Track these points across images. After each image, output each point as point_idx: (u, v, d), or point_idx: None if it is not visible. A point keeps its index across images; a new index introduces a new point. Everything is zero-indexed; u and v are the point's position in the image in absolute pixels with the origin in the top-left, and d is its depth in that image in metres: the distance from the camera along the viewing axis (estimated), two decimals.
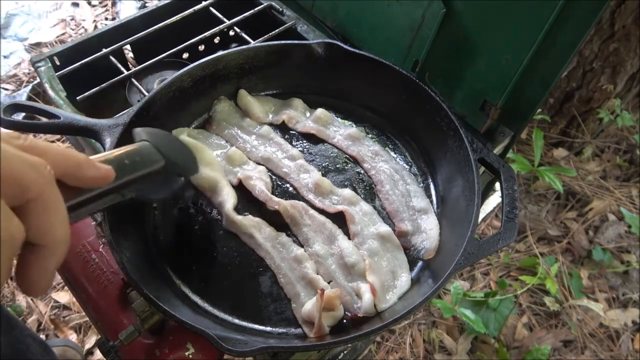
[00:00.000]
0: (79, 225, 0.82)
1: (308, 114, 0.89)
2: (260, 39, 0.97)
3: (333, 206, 0.77)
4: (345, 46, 0.86)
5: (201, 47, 1.06)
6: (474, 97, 0.86)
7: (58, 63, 0.95)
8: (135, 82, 0.91)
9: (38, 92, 1.63)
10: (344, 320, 0.67)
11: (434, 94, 0.80)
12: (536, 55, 0.75)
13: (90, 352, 1.35)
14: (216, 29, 1.00)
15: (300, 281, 0.70)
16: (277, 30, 1.00)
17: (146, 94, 0.83)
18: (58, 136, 1.63)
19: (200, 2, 1.05)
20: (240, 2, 1.06)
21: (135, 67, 0.93)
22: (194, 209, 0.78)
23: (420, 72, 0.88)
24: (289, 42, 0.88)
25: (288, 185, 0.81)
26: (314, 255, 0.72)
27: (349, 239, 0.74)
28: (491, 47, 0.80)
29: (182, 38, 0.96)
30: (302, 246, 0.74)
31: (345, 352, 1.16)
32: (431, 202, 0.80)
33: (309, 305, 0.65)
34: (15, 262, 0.35)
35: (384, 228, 0.74)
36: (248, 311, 0.69)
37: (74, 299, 1.32)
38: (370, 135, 0.88)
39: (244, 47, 0.86)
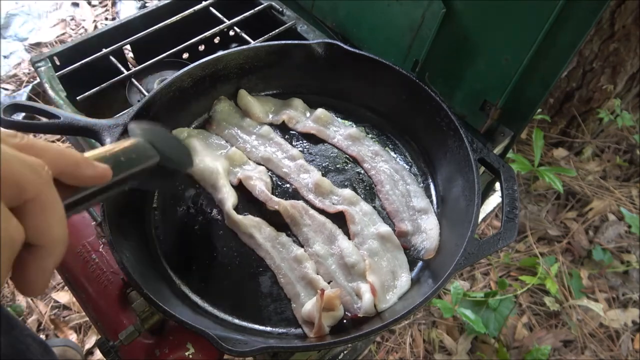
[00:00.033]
0: (79, 225, 0.82)
1: (308, 114, 0.89)
2: (260, 39, 0.97)
3: (333, 206, 0.77)
4: (345, 46, 0.86)
5: (201, 47, 1.06)
6: (474, 97, 0.86)
7: (58, 63, 0.95)
8: (135, 82, 0.91)
9: (38, 92, 1.63)
10: (344, 320, 0.67)
11: (434, 94, 0.80)
12: (536, 55, 0.75)
13: (90, 352, 1.35)
14: (216, 29, 1.00)
15: (300, 281, 0.70)
16: (277, 30, 1.00)
17: (146, 94, 0.83)
18: (58, 136, 1.63)
19: (200, 2, 1.05)
20: (240, 2, 1.06)
21: (135, 67, 0.93)
22: (194, 208, 0.78)
23: (420, 72, 0.88)
24: (289, 42, 0.88)
25: (288, 185, 0.81)
26: (314, 256, 0.72)
27: (349, 239, 0.74)
28: (491, 47, 0.80)
29: (182, 38, 0.96)
30: (302, 246, 0.74)
31: (345, 352, 1.16)
32: (431, 202, 0.80)
33: (309, 306, 0.65)
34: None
35: (384, 228, 0.74)
36: (248, 311, 0.69)
37: (74, 299, 1.32)
38: (370, 135, 0.88)
39: (244, 47, 0.86)
